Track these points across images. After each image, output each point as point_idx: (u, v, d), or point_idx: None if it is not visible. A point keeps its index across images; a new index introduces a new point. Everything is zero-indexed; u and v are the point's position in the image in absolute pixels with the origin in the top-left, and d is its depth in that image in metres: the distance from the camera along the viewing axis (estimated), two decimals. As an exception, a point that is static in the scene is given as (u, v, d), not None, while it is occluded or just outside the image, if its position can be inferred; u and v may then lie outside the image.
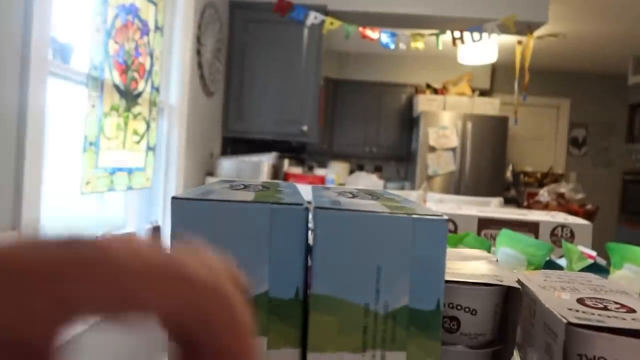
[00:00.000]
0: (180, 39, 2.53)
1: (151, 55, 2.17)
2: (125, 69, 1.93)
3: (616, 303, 0.39)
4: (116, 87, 1.87)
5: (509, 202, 4.37)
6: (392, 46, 3.14)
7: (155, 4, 2.17)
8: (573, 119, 5.55)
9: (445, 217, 0.31)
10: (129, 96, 1.98)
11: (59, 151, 1.77)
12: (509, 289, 0.42)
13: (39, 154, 1.46)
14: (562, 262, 0.71)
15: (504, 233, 0.72)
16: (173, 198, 0.32)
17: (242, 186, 0.39)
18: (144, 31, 2.08)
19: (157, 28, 2.21)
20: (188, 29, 2.58)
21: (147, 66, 2.13)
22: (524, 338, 0.45)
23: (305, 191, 0.40)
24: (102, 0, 1.74)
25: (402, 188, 4.84)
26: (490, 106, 4.79)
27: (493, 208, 1.30)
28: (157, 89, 2.25)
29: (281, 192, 0.37)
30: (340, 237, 0.31)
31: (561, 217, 0.96)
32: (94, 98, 1.72)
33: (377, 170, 5.43)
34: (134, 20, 1.98)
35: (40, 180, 1.47)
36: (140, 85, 2.07)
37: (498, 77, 5.33)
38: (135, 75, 2.02)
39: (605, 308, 0.37)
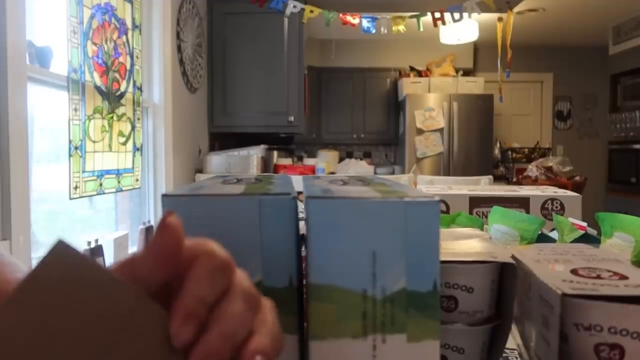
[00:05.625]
0: (159, 36, 2.50)
1: (131, 55, 2.14)
2: (105, 70, 1.91)
3: (609, 271, 0.39)
4: (98, 88, 1.85)
5: (498, 179, 4.40)
6: (373, 31, 3.13)
7: (131, 2, 2.14)
8: (557, 92, 5.58)
9: (437, 198, 0.31)
10: (112, 97, 1.95)
11: (46, 157, 1.74)
12: (503, 265, 0.43)
13: (24, 161, 1.44)
14: (554, 234, 0.72)
15: (496, 210, 0.72)
16: (163, 195, 0.32)
17: (235, 180, 0.39)
18: (122, 30, 2.05)
19: (135, 26, 2.18)
20: (167, 25, 2.55)
21: (128, 66, 2.10)
22: (521, 312, 0.45)
23: (296, 182, 0.40)
24: (76, 0, 1.70)
25: (392, 172, 4.86)
26: (474, 85, 4.80)
27: (483, 186, 1.31)
28: (140, 89, 2.22)
29: (272, 183, 0.37)
30: (334, 224, 0.31)
31: (550, 191, 0.97)
32: (76, 101, 1.70)
33: (366, 156, 5.44)
34: (110, 20, 1.95)
35: (28, 187, 1.45)
36: (123, 86, 2.05)
37: (480, 55, 5.34)
38: (117, 75, 2.00)
39: (598, 277, 0.38)
